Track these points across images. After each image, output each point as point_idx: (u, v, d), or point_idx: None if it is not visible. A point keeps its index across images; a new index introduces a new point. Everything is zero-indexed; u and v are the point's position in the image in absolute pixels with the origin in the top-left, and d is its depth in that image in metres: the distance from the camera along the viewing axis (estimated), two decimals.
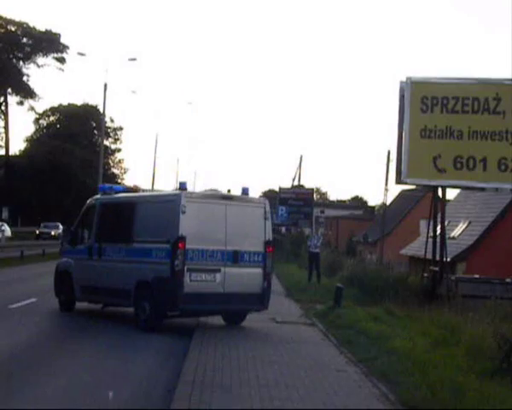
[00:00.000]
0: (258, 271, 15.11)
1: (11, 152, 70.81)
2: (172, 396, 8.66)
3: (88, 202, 18.02)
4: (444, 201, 25.19)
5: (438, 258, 23.92)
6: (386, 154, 48.75)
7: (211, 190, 16.58)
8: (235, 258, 14.81)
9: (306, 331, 15.43)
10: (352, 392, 9.54)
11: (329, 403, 8.74)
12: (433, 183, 23.49)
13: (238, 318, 15.79)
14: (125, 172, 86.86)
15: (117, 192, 17.66)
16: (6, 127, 70.04)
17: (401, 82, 22.80)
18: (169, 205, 14.75)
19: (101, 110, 52.02)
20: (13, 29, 68.28)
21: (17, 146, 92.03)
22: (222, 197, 15.33)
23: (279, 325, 16.17)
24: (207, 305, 14.72)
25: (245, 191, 15.87)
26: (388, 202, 54.21)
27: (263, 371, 10.38)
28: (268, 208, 15.64)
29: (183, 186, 14.84)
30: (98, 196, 17.80)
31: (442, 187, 23.87)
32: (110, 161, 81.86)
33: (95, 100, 72.38)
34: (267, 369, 10.61)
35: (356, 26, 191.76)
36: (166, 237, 14.41)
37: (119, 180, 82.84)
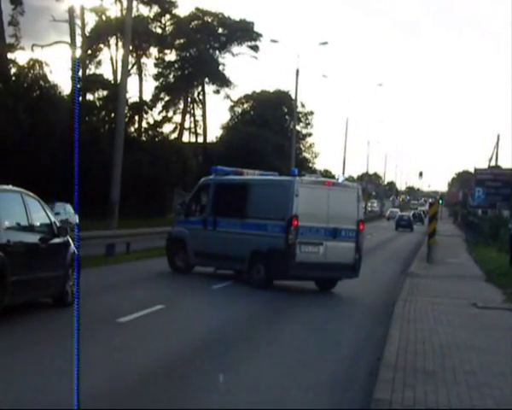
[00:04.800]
0: (352, 245, 17.96)
1: (208, 139, 73.77)
2: (375, 379, 8.61)
3: (201, 181, 21.05)
4: None
5: None
6: None
7: (316, 176, 20.23)
8: (335, 234, 17.69)
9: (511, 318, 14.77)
10: None
11: None
12: None
13: (330, 284, 18.63)
14: (316, 157, 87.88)
15: (226, 174, 20.24)
16: (204, 115, 72.96)
17: None
18: (284, 189, 17.57)
19: (293, 96, 52.73)
20: (209, 20, 70.81)
21: (214, 133, 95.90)
22: (324, 183, 18.34)
23: (480, 310, 15.58)
24: (312, 272, 17.61)
25: (342, 180, 19.83)
26: None
27: (467, 357, 10.04)
28: (360, 193, 18.53)
29: (294, 172, 18.21)
30: (211, 176, 20.34)
31: None
32: (301, 146, 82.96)
33: (287, 86, 73.36)
34: (471, 355, 10.25)
35: None
36: (281, 215, 17.28)
37: (310, 164, 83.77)
